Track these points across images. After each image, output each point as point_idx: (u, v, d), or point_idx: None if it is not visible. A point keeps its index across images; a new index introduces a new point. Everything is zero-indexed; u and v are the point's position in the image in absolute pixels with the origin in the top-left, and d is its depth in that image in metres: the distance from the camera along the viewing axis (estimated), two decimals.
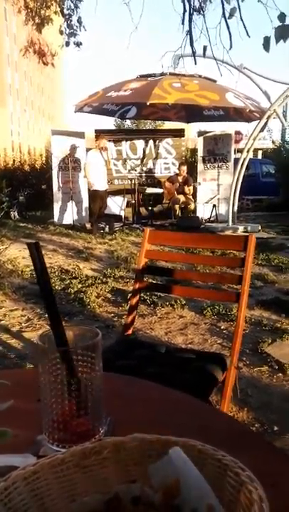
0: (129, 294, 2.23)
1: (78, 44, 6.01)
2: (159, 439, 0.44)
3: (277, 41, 2.40)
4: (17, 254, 5.39)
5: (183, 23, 2.58)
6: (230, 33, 2.47)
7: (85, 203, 8.35)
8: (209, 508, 0.36)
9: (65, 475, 0.42)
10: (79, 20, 5.80)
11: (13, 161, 12.73)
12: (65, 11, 5.66)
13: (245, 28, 2.48)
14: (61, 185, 8.28)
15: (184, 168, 8.52)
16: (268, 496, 0.36)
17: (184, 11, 2.57)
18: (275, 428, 1.85)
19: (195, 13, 2.62)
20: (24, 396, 0.63)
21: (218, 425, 0.68)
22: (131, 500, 0.40)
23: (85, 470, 0.43)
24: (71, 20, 5.77)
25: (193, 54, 2.77)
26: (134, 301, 1.64)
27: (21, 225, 8.25)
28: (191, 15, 2.55)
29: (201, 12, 2.70)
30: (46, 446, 0.54)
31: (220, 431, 0.65)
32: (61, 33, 5.84)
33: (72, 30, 5.81)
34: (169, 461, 0.40)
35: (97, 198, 7.43)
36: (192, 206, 8.55)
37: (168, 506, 0.39)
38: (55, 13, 5.69)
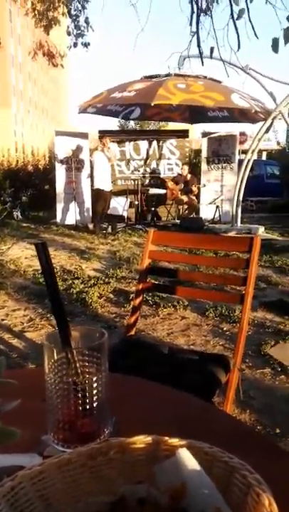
0: (132, 295, 2.23)
1: (86, 44, 6.02)
2: (166, 440, 0.43)
3: (285, 42, 2.39)
4: (20, 254, 5.40)
5: (190, 24, 2.57)
6: (238, 34, 2.46)
7: (88, 204, 8.36)
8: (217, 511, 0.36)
9: (71, 475, 0.42)
10: (86, 21, 5.82)
11: (17, 161, 12.76)
12: (72, 12, 5.67)
13: (253, 29, 2.47)
14: (64, 185, 8.31)
15: (186, 168, 8.52)
16: (274, 499, 0.36)
17: (192, 12, 2.56)
18: (278, 430, 1.84)
19: (202, 14, 2.62)
20: (29, 396, 0.63)
21: (223, 427, 0.68)
22: (137, 501, 0.40)
23: (91, 470, 0.43)
24: (78, 21, 5.78)
25: (201, 55, 2.76)
26: (137, 301, 1.64)
27: (24, 225, 8.27)
28: (198, 16, 2.54)
29: (208, 13, 2.69)
30: (51, 446, 0.54)
31: (225, 432, 0.65)
32: (69, 33, 5.85)
33: (79, 31, 5.82)
34: (176, 463, 0.40)
35: (100, 197, 7.44)
36: (196, 207, 8.54)
37: (174, 508, 0.39)
38: (63, 14, 5.71)
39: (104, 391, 0.54)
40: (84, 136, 8.54)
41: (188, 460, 0.40)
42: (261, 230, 7.38)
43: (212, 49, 2.69)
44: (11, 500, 0.38)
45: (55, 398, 0.53)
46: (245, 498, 0.37)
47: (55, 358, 0.54)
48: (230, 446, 0.45)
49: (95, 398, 0.53)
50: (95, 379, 0.53)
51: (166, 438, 0.44)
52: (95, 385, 0.53)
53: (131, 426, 0.56)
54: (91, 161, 7.77)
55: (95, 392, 0.53)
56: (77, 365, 0.54)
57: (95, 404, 0.53)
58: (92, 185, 7.89)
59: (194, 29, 2.57)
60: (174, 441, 0.43)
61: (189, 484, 0.39)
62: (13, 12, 46.22)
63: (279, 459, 0.60)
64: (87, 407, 0.53)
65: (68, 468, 0.42)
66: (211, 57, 2.80)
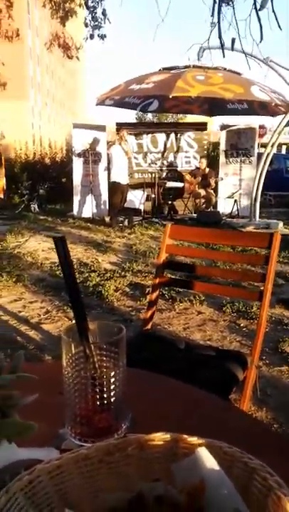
0: (148, 289, 2.23)
1: (102, 36, 6.00)
2: (184, 438, 0.43)
3: None
4: (37, 246, 5.46)
5: (212, 15, 2.52)
6: (261, 25, 2.40)
7: (105, 196, 8.37)
8: None
9: (89, 470, 0.42)
10: (104, 13, 5.79)
11: (34, 154, 12.85)
12: (90, 3, 5.65)
13: (277, 20, 2.40)
14: (81, 178, 8.33)
15: (204, 161, 8.43)
16: None
17: (214, 2, 2.51)
18: None
19: (224, 4, 2.56)
20: (46, 389, 0.64)
21: (240, 425, 0.67)
22: (154, 499, 0.40)
23: (109, 466, 0.43)
24: (96, 13, 5.76)
25: (222, 46, 2.70)
26: (154, 296, 1.63)
27: (41, 217, 8.35)
28: (220, 6, 2.49)
29: (230, 3, 2.63)
30: (68, 440, 0.55)
31: (242, 431, 0.64)
32: (86, 25, 5.84)
33: (96, 23, 5.80)
34: (195, 461, 0.40)
35: (117, 191, 7.44)
36: (213, 201, 8.45)
37: (192, 508, 0.38)
38: (80, 5, 5.69)
39: (122, 386, 0.54)
40: (101, 128, 8.52)
41: (208, 459, 0.39)
42: (280, 225, 7.26)
43: (233, 40, 2.63)
44: (29, 494, 0.38)
45: (73, 392, 0.53)
46: (265, 501, 0.36)
47: (73, 352, 0.54)
48: (247, 445, 0.44)
49: (112, 393, 0.53)
50: (112, 374, 0.53)
51: (185, 436, 0.43)
52: (112, 379, 0.53)
53: (147, 421, 0.55)
54: (108, 154, 7.77)
55: (112, 387, 0.53)
56: (95, 359, 0.54)
57: (112, 399, 0.53)
58: (108, 178, 7.89)
59: (216, 20, 2.52)
60: (193, 439, 0.43)
61: (208, 483, 0.38)
62: (30, 4, 46.30)
63: None
64: (105, 401, 0.53)
65: (86, 463, 0.42)
66: (232, 48, 2.74)
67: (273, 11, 2.38)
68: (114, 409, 0.54)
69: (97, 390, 0.52)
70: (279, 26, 2.44)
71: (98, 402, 0.53)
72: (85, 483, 0.42)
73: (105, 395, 0.52)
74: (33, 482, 0.39)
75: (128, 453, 0.43)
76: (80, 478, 0.42)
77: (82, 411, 0.53)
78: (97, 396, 0.52)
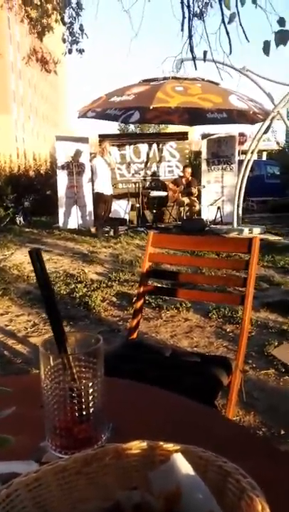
0: (134, 298, 2.23)
1: (81, 51, 6.07)
2: (161, 445, 0.44)
3: (277, 45, 2.40)
4: (23, 259, 5.41)
5: (182, 30, 2.59)
6: (229, 39, 2.48)
7: (90, 207, 8.38)
8: None
9: (67, 482, 0.42)
10: (81, 28, 5.86)
11: (18, 167, 12.83)
12: (67, 19, 5.72)
13: (244, 32, 2.49)
14: (66, 190, 8.34)
15: (189, 170, 8.53)
16: (271, 503, 0.35)
17: (184, 17, 2.59)
18: (282, 432, 1.83)
19: (195, 18, 2.63)
20: (29, 402, 0.63)
21: (222, 431, 0.67)
22: (132, 507, 0.40)
23: (87, 477, 0.43)
24: (73, 28, 5.83)
25: (194, 59, 2.78)
26: (138, 304, 1.64)
27: (27, 230, 8.30)
28: (190, 20, 2.56)
29: (202, 18, 2.71)
30: (49, 452, 0.54)
31: (225, 437, 0.65)
32: (64, 41, 5.90)
33: (74, 38, 5.87)
34: (171, 467, 0.40)
35: (101, 201, 7.49)
36: (197, 208, 8.54)
37: None
38: (56, 21, 5.76)
39: (101, 396, 0.55)
40: (84, 140, 8.57)
41: (183, 464, 0.40)
42: (262, 230, 7.37)
43: (205, 53, 2.70)
44: (7, 508, 0.38)
45: (52, 404, 0.53)
46: (238, 503, 0.37)
47: (52, 364, 0.55)
48: (231, 451, 0.45)
49: (91, 404, 0.53)
50: (90, 384, 0.54)
51: (161, 443, 0.44)
52: (91, 390, 0.53)
53: (129, 431, 0.56)
54: (91, 166, 7.82)
55: (91, 397, 0.53)
56: (74, 370, 0.54)
57: (91, 410, 0.53)
58: (93, 189, 7.93)
59: (187, 33, 2.59)
60: (169, 446, 0.43)
61: (184, 488, 0.39)
62: (11, 19, 46.55)
63: (280, 463, 0.60)
64: (84, 412, 0.53)
65: (64, 475, 0.42)
66: (204, 60, 2.81)
67: (241, 25, 2.46)
68: (93, 420, 0.54)
69: (76, 401, 0.53)
70: (247, 39, 2.52)
71: (77, 414, 0.53)
72: (63, 495, 0.42)
73: (84, 406, 0.53)
74: (11, 496, 0.39)
75: (106, 463, 0.43)
76: (59, 490, 0.42)
77: (61, 423, 0.53)
78: (76, 407, 0.53)
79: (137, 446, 0.44)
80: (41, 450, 0.56)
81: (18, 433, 0.51)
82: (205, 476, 0.40)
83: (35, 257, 0.56)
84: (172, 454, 0.41)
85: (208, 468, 0.41)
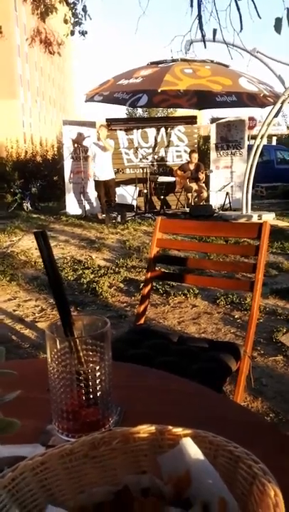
0: (142, 284, 2.22)
1: (83, 33, 5.94)
2: (170, 429, 0.43)
3: None
4: (30, 245, 5.42)
5: (191, 6, 2.50)
6: (240, 15, 2.39)
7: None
8: (222, 502, 0.35)
9: (74, 466, 0.42)
10: (84, 9, 5.73)
11: (25, 152, 12.79)
12: (70, 0, 5.59)
13: (255, 8, 2.39)
14: (72, 175, 8.30)
15: (196, 155, 8.40)
16: (281, 489, 0.34)
17: None
18: None
19: None
20: (35, 386, 0.63)
21: (231, 416, 0.67)
22: (140, 491, 0.40)
23: (94, 461, 0.42)
24: (76, 9, 5.70)
25: (203, 38, 2.69)
26: (146, 290, 1.63)
27: (34, 216, 8.30)
28: None
29: None
30: (56, 436, 0.54)
31: (233, 422, 0.64)
32: (66, 22, 5.78)
33: (77, 19, 5.74)
34: (180, 452, 0.39)
35: (98, 187, 7.51)
36: (205, 194, 8.45)
37: (178, 499, 0.38)
38: (60, 2, 5.63)
39: (108, 380, 0.54)
40: (91, 125, 8.47)
41: (192, 449, 0.39)
42: (272, 216, 7.28)
43: (215, 31, 2.61)
44: (12, 491, 0.38)
45: (59, 388, 0.53)
46: (250, 488, 0.36)
47: (58, 347, 0.54)
48: (240, 436, 0.44)
49: (98, 387, 0.52)
50: (98, 368, 0.53)
51: (170, 427, 0.43)
52: (98, 374, 0.52)
53: (138, 415, 0.55)
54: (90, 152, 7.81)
55: (98, 381, 0.52)
56: (81, 354, 0.53)
57: (98, 394, 0.52)
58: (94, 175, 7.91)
59: (196, 11, 2.49)
60: (178, 430, 0.42)
61: (193, 473, 0.38)
62: (18, 0, 45.75)
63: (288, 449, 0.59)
64: (91, 396, 0.52)
65: (71, 458, 0.42)
66: (213, 39, 2.73)
67: (252, 0, 2.36)
68: (100, 404, 0.53)
69: (83, 384, 0.52)
70: (258, 15, 2.42)
71: (84, 397, 0.52)
72: (70, 478, 0.41)
73: (91, 390, 0.52)
74: (17, 479, 0.38)
75: (113, 446, 0.43)
76: (65, 473, 0.41)
77: (68, 406, 0.52)
78: (83, 391, 0.52)
79: (145, 430, 0.43)
80: (48, 433, 0.55)
81: (24, 416, 0.51)
82: (215, 461, 0.39)
83: (41, 239, 0.54)
84: (181, 439, 0.40)
85: (218, 453, 0.40)
